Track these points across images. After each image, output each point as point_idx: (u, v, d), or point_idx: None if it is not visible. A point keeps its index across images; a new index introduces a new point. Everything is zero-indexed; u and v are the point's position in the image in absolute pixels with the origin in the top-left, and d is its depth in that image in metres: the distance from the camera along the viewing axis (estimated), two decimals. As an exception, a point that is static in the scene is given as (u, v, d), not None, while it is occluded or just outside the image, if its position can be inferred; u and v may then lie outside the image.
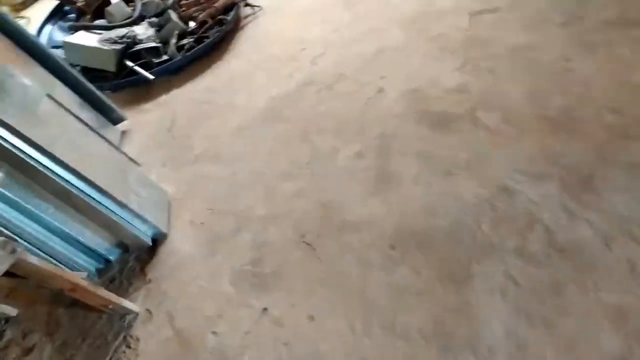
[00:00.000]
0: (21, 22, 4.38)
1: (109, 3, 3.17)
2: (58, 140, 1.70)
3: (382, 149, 2.06)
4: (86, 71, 2.94)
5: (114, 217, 1.84)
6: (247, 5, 3.33)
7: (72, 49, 2.84)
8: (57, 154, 1.65)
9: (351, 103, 2.36)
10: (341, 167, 2.06)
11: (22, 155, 1.57)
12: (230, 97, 2.71)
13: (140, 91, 2.93)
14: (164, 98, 2.87)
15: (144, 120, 2.76)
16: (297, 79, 2.67)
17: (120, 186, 1.92)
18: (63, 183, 1.68)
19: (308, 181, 2.05)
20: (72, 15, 3.58)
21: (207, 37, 3.04)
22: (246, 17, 3.35)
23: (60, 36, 3.42)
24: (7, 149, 1.54)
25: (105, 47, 2.82)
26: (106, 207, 1.82)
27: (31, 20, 4.42)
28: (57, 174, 1.68)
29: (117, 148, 2.25)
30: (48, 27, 3.46)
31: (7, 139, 1.54)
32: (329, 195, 1.96)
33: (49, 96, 2.02)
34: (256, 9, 3.35)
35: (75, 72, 2.48)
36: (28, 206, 1.68)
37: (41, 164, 1.63)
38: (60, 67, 2.41)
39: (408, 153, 1.99)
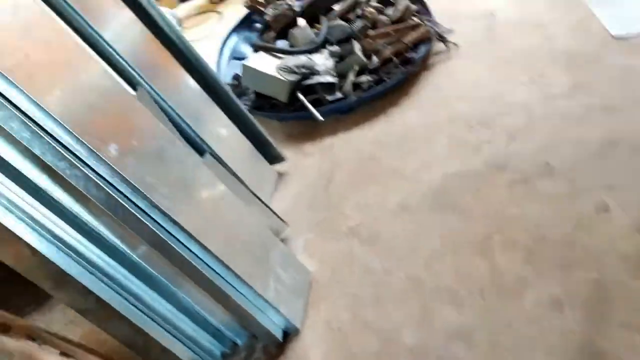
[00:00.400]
0: (212, 19, 4.56)
1: (296, 24, 2.99)
2: (206, 221, 1.53)
3: (594, 305, 1.50)
4: (258, 96, 2.82)
5: (247, 307, 1.63)
6: (441, 40, 2.87)
7: (249, 72, 2.74)
8: (204, 240, 1.47)
9: (556, 215, 1.80)
10: (528, 314, 1.55)
11: (164, 237, 1.42)
12: (399, 159, 2.33)
13: (306, 127, 2.71)
14: (328, 141, 2.61)
15: (303, 165, 2.54)
16: (486, 155, 2.17)
17: (261, 270, 1.70)
18: (201, 267, 1.51)
19: (477, 318, 1.60)
20: (259, 26, 3.52)
21: (389, 77, 2.67)
22: (437, 54, 2.90)
23: (243, 48, 3.39)
24: (150, 229, 1.39)
25: (281, 77, 2.65)
26: (241, 294, 1.62)
27: (223, 17, 4.56)
28: (196, 255, 1.50)
29: (268, 208, 2.06)
30: (234, 37, 3.46)
31: (154, 217, 1.40)
32: (505, 354, 1.48)
33: (210, 153, 1.89)
34: (451, 46, 2.86)
35: (239, 103, 2.33)
36: (162, 281, 1.55)
37: (182, 244, 1.47)
38: (226, 96, 2.28)
39: (638, 328, 1.40)
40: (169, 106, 1.91)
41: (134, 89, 1.82)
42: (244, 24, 3.57)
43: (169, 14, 3.95)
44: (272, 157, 2.51)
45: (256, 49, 3.03)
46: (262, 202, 2.10)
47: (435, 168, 2.21)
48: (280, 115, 2.73)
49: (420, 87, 2.72)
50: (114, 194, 1.30)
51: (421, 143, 2.38)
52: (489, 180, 2.05)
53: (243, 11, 3.62)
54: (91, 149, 1.26)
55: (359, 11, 3.16)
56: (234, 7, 4.56)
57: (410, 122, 2.53)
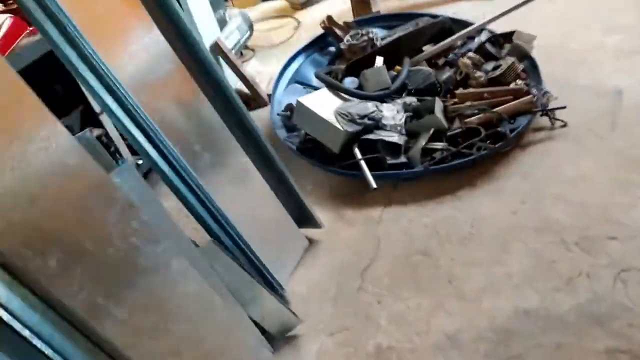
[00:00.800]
0: (288, 26, 4.20)
1: (372, 62, 2.53)
2: (175, 352, 1.11)
3: None
4: (308, 138, 2.39)
5: None
6: (546, 114, 2.29)
7: (302, 111, 2.31)
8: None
9: None
10: None
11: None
12: (460, 266, 1.81)
13: (355, 188, 2.25)
14: (376, 213, 2.13)
15: (340, 236, 2.08)
16: (581, 296, 1.60)
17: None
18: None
19: None
20: (332, 49, 3.10)
21: (469, 151, 2.14)
22: (537, 130, 2.32)
23: (309, 71, 2.97)
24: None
25: (338, 125, 2.20)
26: None
27: (301, 26, 4.19)
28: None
29: (279, 301, 1.62)
30: (301, 58, 3.04)
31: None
32: None
33: (213, 242, 1.46)
34: (557, 124, 2.28)
35: (273, 151, 1.90)
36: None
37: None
38: (257, 140, 1.85)
39: None
40: (175, 158, 1.49)
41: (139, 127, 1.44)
42: (316, 45, 3.15)
43: (239, 15, 3.62)
44: (305, 219, 2.07)
45: (321, 79, 2.61)
46: (275, 293, 1.67)
47: (505, 294, 1.67)
48: (327, 167, 2.28)
49: (507, 170, 2.16)
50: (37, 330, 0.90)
51: (492, 249, 1.84)
52: (579, 337, 1.49)
53: (319, 29, 3.20)
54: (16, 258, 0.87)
55: (451, 57, 2.65)
56: (314, 17, 4.17)
57: (484, 214, 1.99)
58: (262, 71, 3.44)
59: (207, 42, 2.88)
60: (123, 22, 1.43)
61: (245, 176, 1.80)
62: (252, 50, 3.98)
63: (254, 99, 3.15)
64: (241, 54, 3.89)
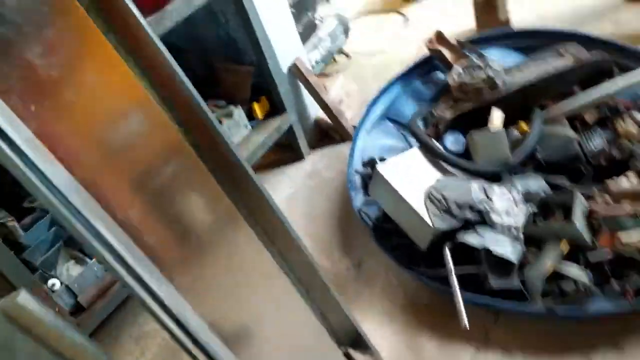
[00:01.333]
0: (392, 25, 3.51)
1: (488, 113, 1.82)
2: None
3: None
4: (386, 217, 1.81)
5: None
6: None
7: (381, 185, 1.72)
8: None
9: None
10: None
11: None
12: None
13: (438, 301, 1.65)
14: (465, 357, 1.52)
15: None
16: None
17: None
18: None
19: None
20: (439, 76, 2.40)
21: (624, 290, 1.42)
22: None
23: (406, 106, 2.33)
24: None
25: (426, 217, 1.59)
26: None
27: (407, 21, 3.50)
28: None
29: None
30: (397, 86, 2.40)
31: None
32: None
33: None
34: None
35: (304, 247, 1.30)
36: None
37: None
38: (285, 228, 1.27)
39: None
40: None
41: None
42: (419, 68, 2.48)
43: (334, 17, 3.03)
44: (358, 342, 1.54)
45: (411, 133, 1.99)
46: None
47: None
48: (407, 267, 1.71)
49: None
50: None
51: None
52: None
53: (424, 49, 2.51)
54: None
55: (606, 111, 1.85)
56: (425, 15, 3.44)
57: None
58: (352, 91, 2.87)
59: (283, 63, 2.37)
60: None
61: (265, 282, 1.30)
62: (347, 55, 3.39)
63: (336, 131, 2.61)
64: (334, 59, 3.33)
